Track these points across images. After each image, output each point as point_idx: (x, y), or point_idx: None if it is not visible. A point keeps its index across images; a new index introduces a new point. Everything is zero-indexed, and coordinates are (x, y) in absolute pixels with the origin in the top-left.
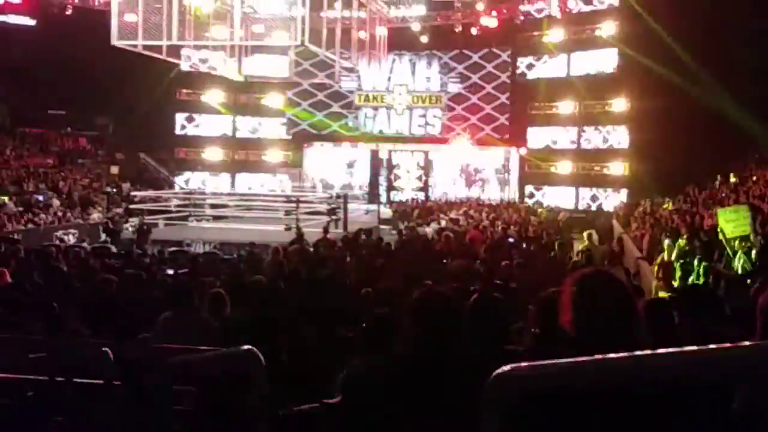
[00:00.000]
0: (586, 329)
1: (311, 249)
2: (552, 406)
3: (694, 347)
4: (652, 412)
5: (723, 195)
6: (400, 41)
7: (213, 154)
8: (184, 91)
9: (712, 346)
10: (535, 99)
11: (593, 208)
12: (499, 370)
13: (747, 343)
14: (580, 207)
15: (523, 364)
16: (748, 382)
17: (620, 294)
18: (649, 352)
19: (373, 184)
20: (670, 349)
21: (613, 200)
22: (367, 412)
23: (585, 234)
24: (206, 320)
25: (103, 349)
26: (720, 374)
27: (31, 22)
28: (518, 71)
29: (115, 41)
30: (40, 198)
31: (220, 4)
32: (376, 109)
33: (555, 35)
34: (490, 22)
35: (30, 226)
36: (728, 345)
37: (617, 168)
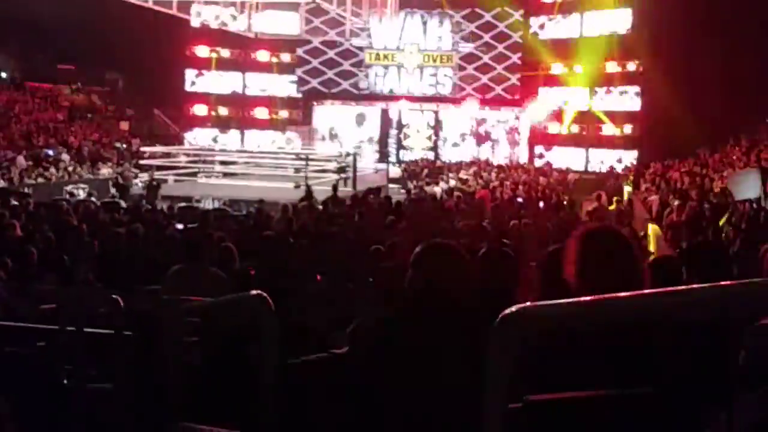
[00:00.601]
0: (589, 283)
1: (320, 206)
2: (558, 346)
3: (700, 286)
4: (659, 350)
5: (734, 158)
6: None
7: (223, 111)
8: (195, 47)
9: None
10: (547, 59)
11: (603, 169)
12: (506, 311)
13: (754, 280)
14: (590, 168)
15: (528, 304)
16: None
17: (624, 249)
18: (656, 290)
19: (383, 143)
20: (677, 288)
21: (623, 162)
22: (373, 363)
23: (594, 195)
24: (215, 273)
25: (113, 297)
26: (728, 310)
27: None
28: (531, 31)
29: None
30: (50, 153)
31: None
32: (386, 67)
33: None
34: None
35: (40, 180)
36: (734, 282)
37: (628, 129)
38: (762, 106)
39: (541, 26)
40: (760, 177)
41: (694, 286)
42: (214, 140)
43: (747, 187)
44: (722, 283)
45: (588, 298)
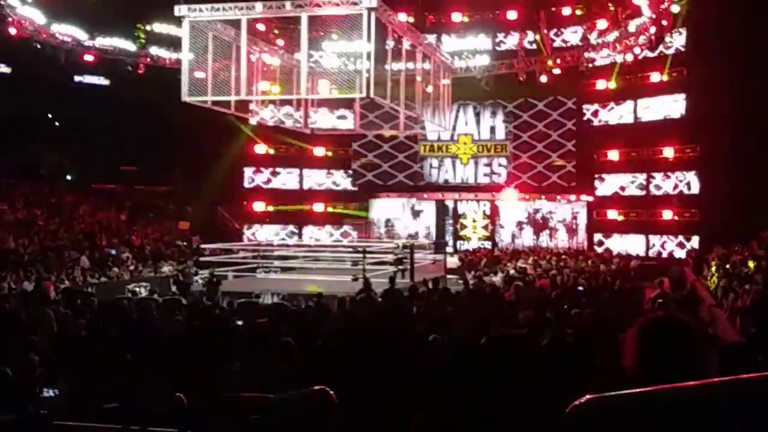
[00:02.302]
0: (652, 374)
1: (379, 299)
2: None
3: None
4: None
5: None
6: (465, 91)
7: (281, 206)
8: (253, 145)
9: None
10: (601, 146)
11: (664, 255)
12: (576, 402)
13: None
14: (651, 254)
15: (599, 395)
16: None
17: (688, 337)
18: (728, 378)
19: (440, 233)
20: (752, 375)
21: (684, 247)
22: None
23: (656, 281)
24: (276, 369)
25: (177, 395)
26: None
27: (105, 82)
28: (584, 118)
29: (186, 98)
30: (113, 252)
31: (287, 59)
32: (441, 159)
33: (621, 82)
34: (554, 70)
35: (103, 279)
36: None
37: (688, 214)
38: None
39: (595, 113)
40: None
41: None
42: (273, 235)
43: None
44: None
45: (657, 387)
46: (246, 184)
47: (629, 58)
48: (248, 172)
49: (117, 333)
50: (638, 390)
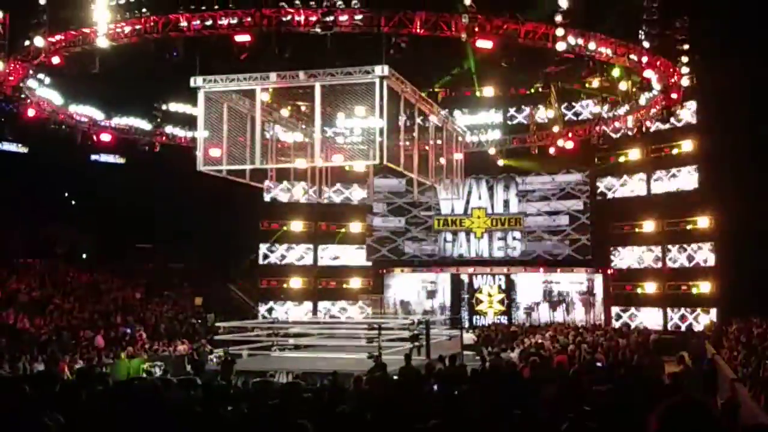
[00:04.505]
0: None
1: (395, 377)
2: None
3: None
4: None
5: None
6: (478, 165)
7: (295, 283)
8: (267, 221)
9: None
10: (616, 219)
11: (683, 328)
12: None
13: None
14: (669, 328)
15: None
16: None
17: (708, 426)
18: None
19: (455, 308)
20: None
21: (703, 320)
22: None
23: (677, 356)
24: None
25: None
26: None
27: (121, 161)
28: (598, 191)
29: (201, 167)
30: (128, 330)
31: (301, 134)
32: (455, 233)
33: (633, 155)
34: (567, 143)
35: (116, 359)
36: None
37: (705, 287)
38: None
39: (609, 187)
40: None
41: None
42: (287, 313)
43: None
44: None
45: None
46: (261, 261)
47: (640, 130)
48: (263, 248)
49: (130, 414)
50: None
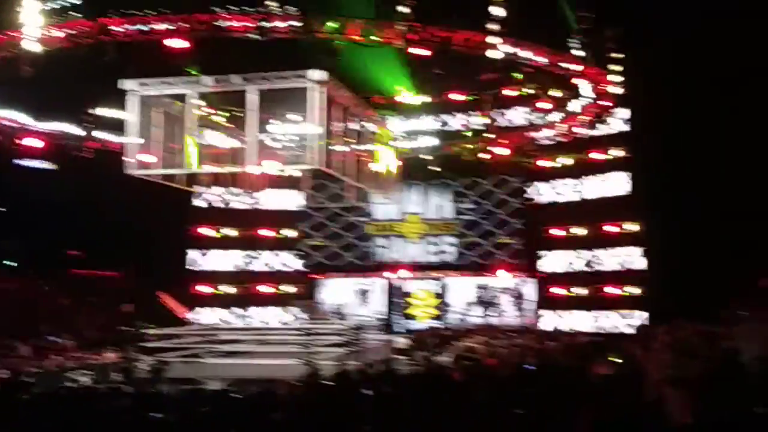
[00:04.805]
0: None
1: (327, 382)
2: None
3: None
4: None
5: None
6: (412, 170)
7: (227, 288)
8: (199, 227)
9: None
10: (547, 223)
11: (611, 331)
12: None
13: None
14: (598, 330)
15: None
16: None
17: (635, 426)
18: None
19: (388, 313)
20: None
21: (631, 323)
22: None
23: (605, 359)
24: None
25: None
26: None
27: (50, 166)
28: (530, 197)
29: (131, 171)
30: (55, 339)
31: (236, 139)
32: (389, 238)
33: (564, 160)
34: (501, 150)
35: (41, 369)
36: None
37: (634, 290)
38: None
39: (541, 192)
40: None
41: None
42: (220, 319)
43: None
44: None
45: None
46: (192, 267)
47: (572, 137)
48: (194, 254)
49: (56, 423)
50: None
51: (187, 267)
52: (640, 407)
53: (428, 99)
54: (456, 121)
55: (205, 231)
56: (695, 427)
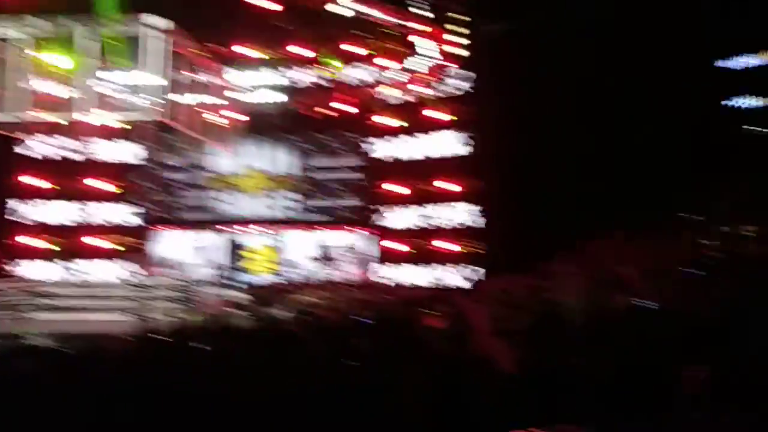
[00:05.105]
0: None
1: (164, 338)
2: None
3: None
4: None
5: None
6: (254, 124)
7: (54, 241)
8: (22, 176)
9: None
10: (383, 180)
11: (446, 286)
12: None
13: None
14: (433, 286)
15: None
16: None
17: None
18: None
19: (227, 268)
20: None
21: (463, 277)
22: None
23: (437, 312)
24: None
25: None
26: None
27: None
28: (370, 153)
29: None
30: None
31: (67, 86)
32: (229, 192)
33: (401, 119)
34: (343, 106)
35: None
36: None
37: (466, 246)
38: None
39: (379, 148)
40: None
41: None
42: (46, 273)
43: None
44: None
45: None
46: (14, 217)
47: (412, 95)
48: (18, 204)
49: None
50: None
51: (10, 218)
52: (468, 359)
53: (273, 53)
54: (300, 76)
55: (31, 181)
56: (518, 376)
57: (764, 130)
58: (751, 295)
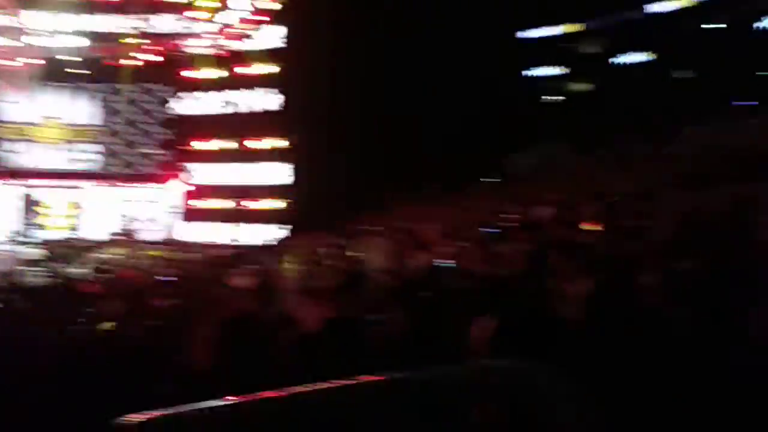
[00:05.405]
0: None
1: None
2: None
3: None
4: None
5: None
6: (53, 71)
7: None
8: None
9: None
10: (194, 136)
11: (255, 244)
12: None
13: None
14: (242, 243)
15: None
16: None
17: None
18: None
19: (21, 223)
20: None
21: (273, 235)
22: None
23: (244, 270)
24: None
25: None
26: None
27: None
28: (176, 107)
29: None
30: None
31: None
32: (23, 142)
33: (212, 73)
34: (149, 57)
35: None
36: None
37: (278, 204)
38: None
39: (189, 103)
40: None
41: None
42: None
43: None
44: None
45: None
46: None
47: (222, 49)
48: None
49: None
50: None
51: None
52: (274, 317)
53: None
54: (104, 23)
55: None
56: (321, 333)
57: (560, 98)
58: (537, 255)
